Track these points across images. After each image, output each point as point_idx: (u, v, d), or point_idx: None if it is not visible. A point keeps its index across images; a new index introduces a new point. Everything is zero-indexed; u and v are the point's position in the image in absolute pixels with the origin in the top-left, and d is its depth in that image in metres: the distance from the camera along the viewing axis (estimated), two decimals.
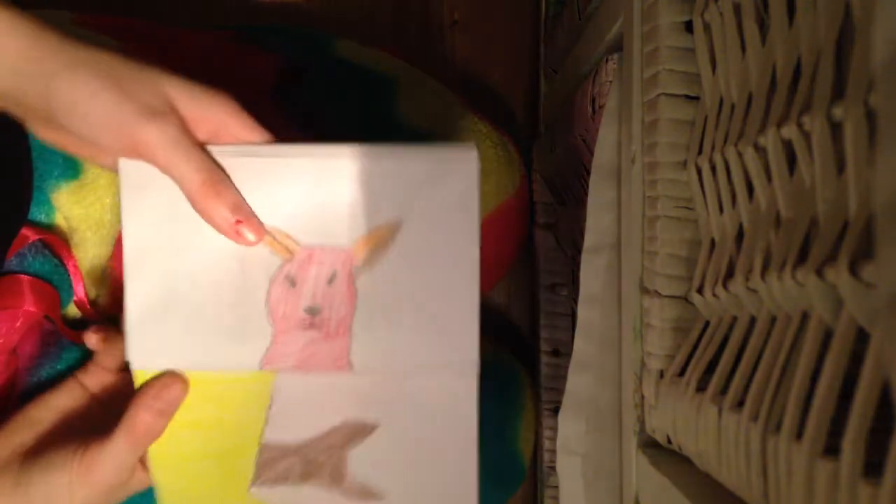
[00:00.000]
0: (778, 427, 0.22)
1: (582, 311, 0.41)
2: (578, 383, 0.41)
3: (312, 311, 0.40)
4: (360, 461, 0.41)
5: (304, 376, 0.40)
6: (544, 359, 0.62)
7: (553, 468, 0.60)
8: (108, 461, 0.37)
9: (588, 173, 0.41)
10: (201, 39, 0.50)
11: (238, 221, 0.36)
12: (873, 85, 0.19)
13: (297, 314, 0.39)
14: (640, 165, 0.35)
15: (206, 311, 0.39)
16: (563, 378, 0.42)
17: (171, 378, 0.38)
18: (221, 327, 0.39)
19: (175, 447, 0.40)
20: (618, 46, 0.39)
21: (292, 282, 0.39)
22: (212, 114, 0.36)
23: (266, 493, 0.41)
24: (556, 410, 0.59)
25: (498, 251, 0.56)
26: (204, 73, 0.36)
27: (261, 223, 0.38)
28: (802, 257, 0.23)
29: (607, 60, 0.39)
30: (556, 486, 0.54)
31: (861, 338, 0.20)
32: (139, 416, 0.37)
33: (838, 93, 0.22)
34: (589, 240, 0.41)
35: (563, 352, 0.62)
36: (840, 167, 0.22)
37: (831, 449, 0.19)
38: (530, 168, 0.65)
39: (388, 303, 0.40)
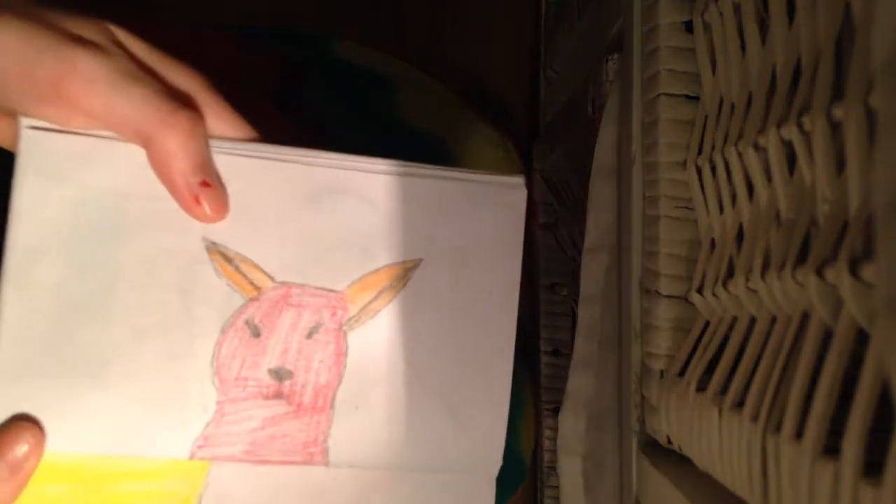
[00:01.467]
0: (778, 427, 0.22)
1: (582, 311, 0.41)
2: (578, 383, 0.41)
3: (280, 375, 0.28)
4: None
5: (252, 472, 0.28)
6: (544, 359, 0.62)
7: (553, 468, 0.60)
8: None
9: (588, 173, 0.41)
10: (201, 40, 0.50)
11: (204, 183, 0.26)
12: (873, 85, 0.19)
13: (258, 376, 0.28)
14: (639, 165, 0.35)
15: (118, 364, 0.27)
16: (563, 378, 0.42)
17: (18, 428, 0.26)
18: (140, 390, 0.27)
19: None
20: (618, 46, 0.39)
21: (255, 330, 0.28)
22: (179, 82, 0.27)
23: None
24: (556, 410, 0.59)
25: None
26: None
27: (227, 203, 0.27)
28: (802, 257, 0.23)
29: (607, 60, 0.39)
30: (556, 486, 0.54)
31: (861, 338, 0.20)
32: None
33: (838, 93, 0.22)
34: (589, 240, 0.41)
35: (563, 352, 0.62)
36: (840, 167, 0.22)
37: (831, 449, 0.19)
38: (530, 168, 0.65)
39: (387, 373, 0.29)
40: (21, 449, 0.26)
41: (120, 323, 0.27)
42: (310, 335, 0.29)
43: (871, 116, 0.19)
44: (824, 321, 0.22)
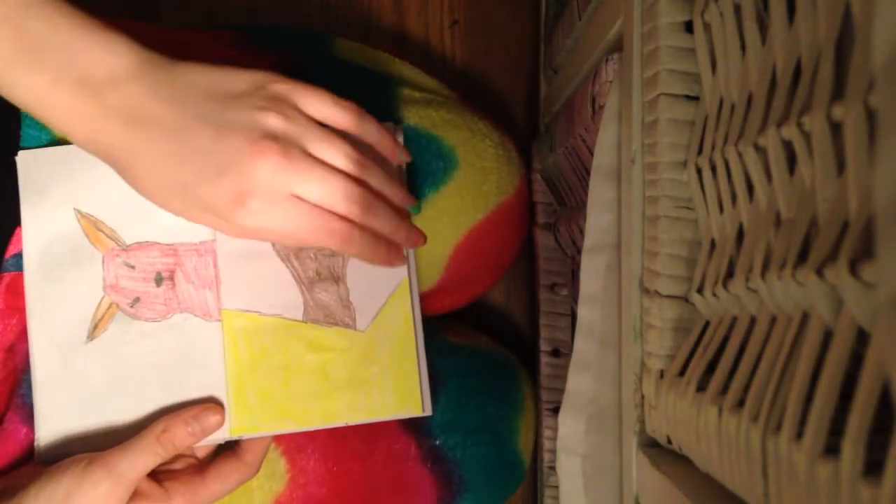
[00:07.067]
0: (778, 427, 0.22)
1: (582, 311, 0.41)
2: (578, 383, 0.41)
3: (160, 278, 0.42)
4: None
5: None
6: (544, 359, 0.62)
7: (553, 468, 0.60)
8: (133, 453, 0.37)
9: (588, 173, 0.41)
10: (202, 40, 0.50)
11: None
12: (873, 85, 0.19)
13: (146, 288, 0.42)
14: (640, 165, 0.35)
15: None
16: (563, 378, 0.42)
17: (211, 408, 0.40)
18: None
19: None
20: (618, 46, 0.39)
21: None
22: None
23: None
24: (556, 410, 0.59)
25: (497, 251, 0.56)
26: None
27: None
28: (802, 257, 0.23)
29: (607, 60, 0.39)
30: (556, 486, 0.54)
31: (861, 338, 0.20)
32: (176, 427, 0.39)
33: (838, 93, 0.22)
34: (589, 240, 0.41)
35: (563, 352, 0.62)
36: (840, 167, 0.22)
37: (831, 449, 0.19)
38: (530, 168, 0.65)
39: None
40: (211, 422, 0.40)
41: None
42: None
43: (871, 116, 0.19)
44: (824, 321, 0.22)
